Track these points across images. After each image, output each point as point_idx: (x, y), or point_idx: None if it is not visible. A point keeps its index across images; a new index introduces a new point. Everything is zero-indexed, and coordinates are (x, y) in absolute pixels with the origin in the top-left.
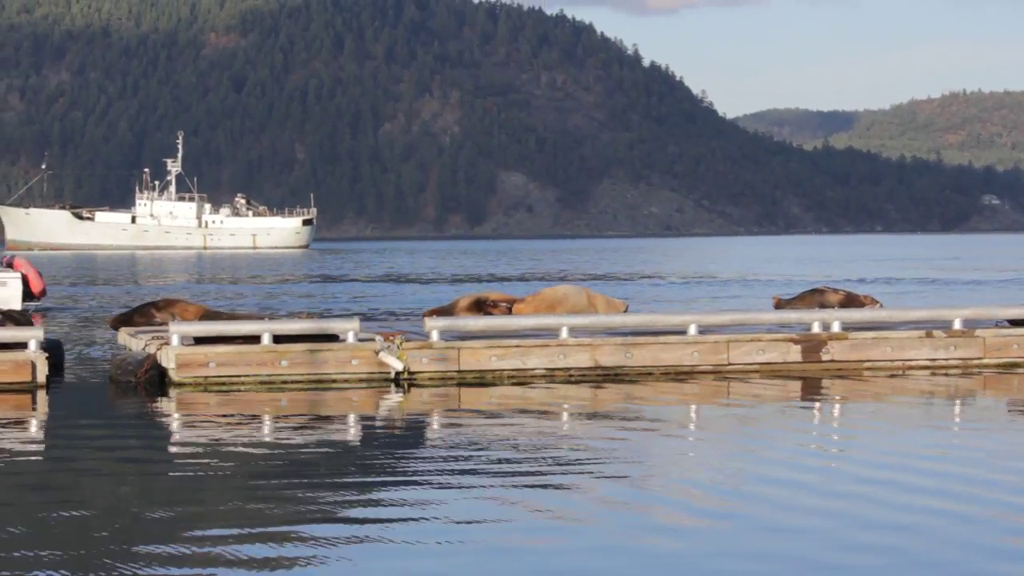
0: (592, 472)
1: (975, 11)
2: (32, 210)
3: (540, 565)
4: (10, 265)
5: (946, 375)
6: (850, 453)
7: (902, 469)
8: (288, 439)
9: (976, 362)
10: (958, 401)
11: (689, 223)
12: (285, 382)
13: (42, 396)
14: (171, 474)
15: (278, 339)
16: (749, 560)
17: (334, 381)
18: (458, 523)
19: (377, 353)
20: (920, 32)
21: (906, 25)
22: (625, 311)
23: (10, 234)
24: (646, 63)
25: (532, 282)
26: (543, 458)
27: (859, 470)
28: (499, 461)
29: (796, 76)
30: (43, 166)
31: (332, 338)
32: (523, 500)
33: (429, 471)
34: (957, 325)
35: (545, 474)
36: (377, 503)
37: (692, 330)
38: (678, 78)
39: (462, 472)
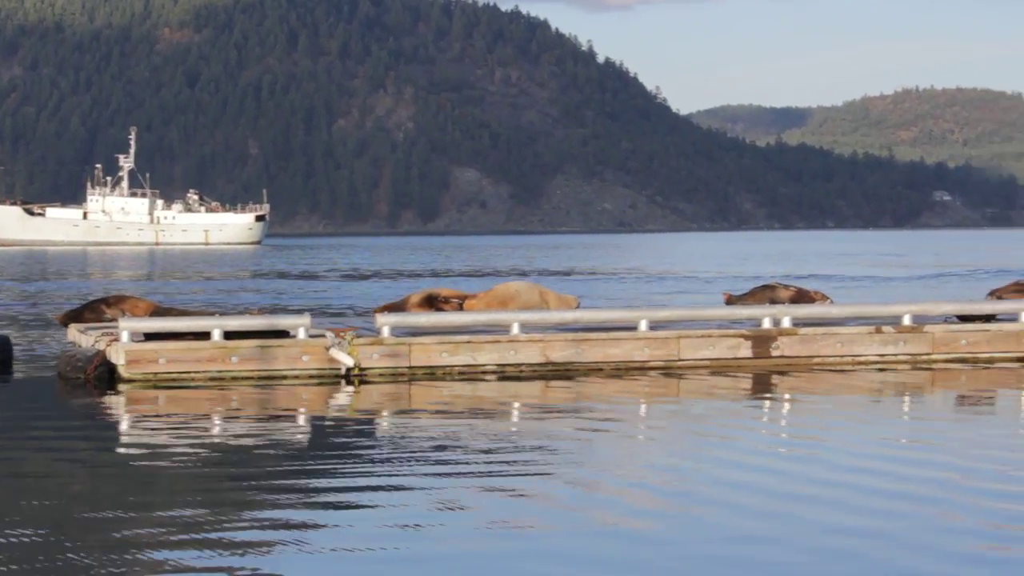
0: (543, 472)
1: (928, 8)
2: None
3: (488, 568)
4: None
5: (895, 370)
6: (799, 452)
7: (851, 469)
8: (237, 436)
9: (925, 357)
10: (907, 397)
11: (642, 219)
12: (235, 378)
13: None
14: (118, 473)
15: (229, 335)
16: (699, 562)
17: (284, 377)
18: (404, 527)
19: (328, 349)
20: (873, 29)
21: (859, 22)
22: (577, 307)
23: None
24: (600, 59)
25: (484, 278)
26: (494, 457)
27: (809, 469)
28: (450, 460)
29: (750, 73)
30: None
31: (283, 334)
32: (474, 501)
33: (379, 469)
34: (906, 321)
35: (496, 475)
36: (326, 504)
37: (643, 326)
38: (632, 74)
39: (412, 471)
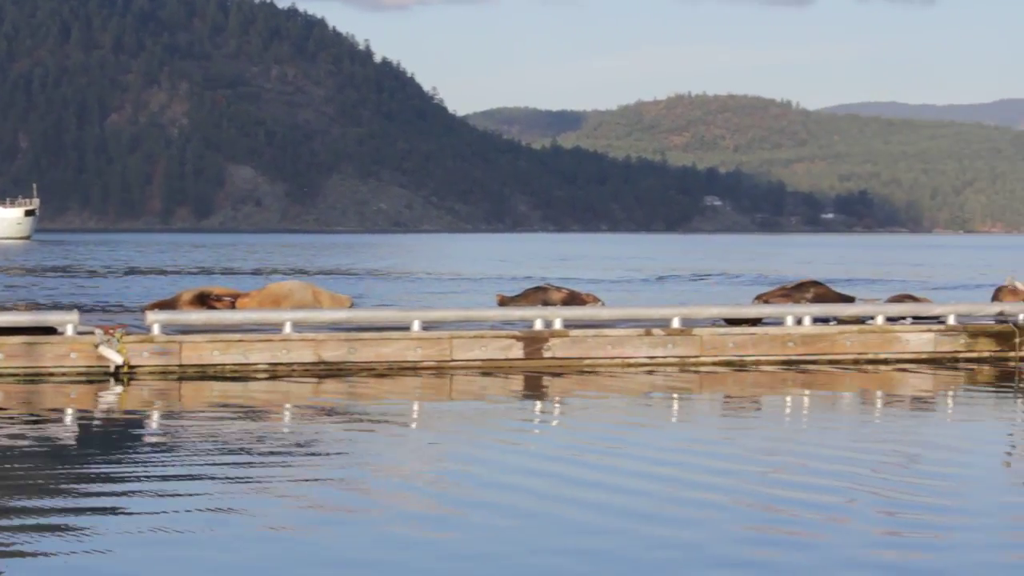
0: (313, 476)
1: (702, 15)
2: None
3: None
4: None
5: (664, 372)
6: (568, 455)
7: (615, 470)
8: (1, 434)
9: (693, 359)
10: (675, 398)
11: (418, 219)
12: (1, 375)
13: None
14: None
15: None
16: (467, 561)
17: (52, 375)
18: (167, 531)
19: (96, 347)
20: (647, 34)
21: (634, 27)
22: (350, 307)
23: None
24: (377, 59)
25: (258, 277)
26: (264, 457)
27: (575, 471)
28: (219, 462)
29: (526, 75)
30: None
31: (50, 331)
32: (244, 504)
33: (147, 469)
34: (676, 323)
35: (263, 480)
36: (91, 508)
37: (416, 326)
38: (409, 75)
39: (179, 472)
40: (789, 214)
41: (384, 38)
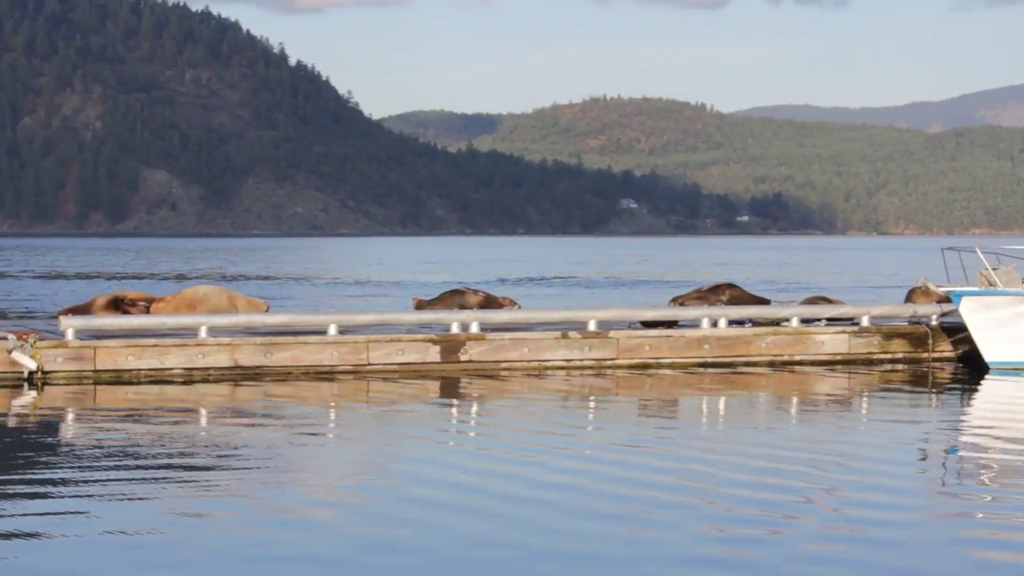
0: (232, 476)
1: (616, 17)
2: None
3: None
4: None
5: (581, 375)
6: (487, 458)
7: (536, 465)
8: None
9: (610, 362)
10: (591, 400)
11: (334, 223)
12: None
13: None
14: None
15: None
16: (376, 554)
17: None
18: (85, 534)
19: (10, 352)
20: (562, 37)
21: (549, 29)
22: (267, 311)
23: None
24: (292, 62)
25: (174, 281)
26: (177, 460)
27: (492, 466)
28: (133, 466)
29: (441, 78)
30: None
31: None
32: (159, 505)
33: (60, 474)
34: (592, 327)
35: (185, 481)
36: (6, 506)
37: (332, 330)
38: (324, 78)
39: (94, 476)
40: (704, 216)
41: (299, 41)
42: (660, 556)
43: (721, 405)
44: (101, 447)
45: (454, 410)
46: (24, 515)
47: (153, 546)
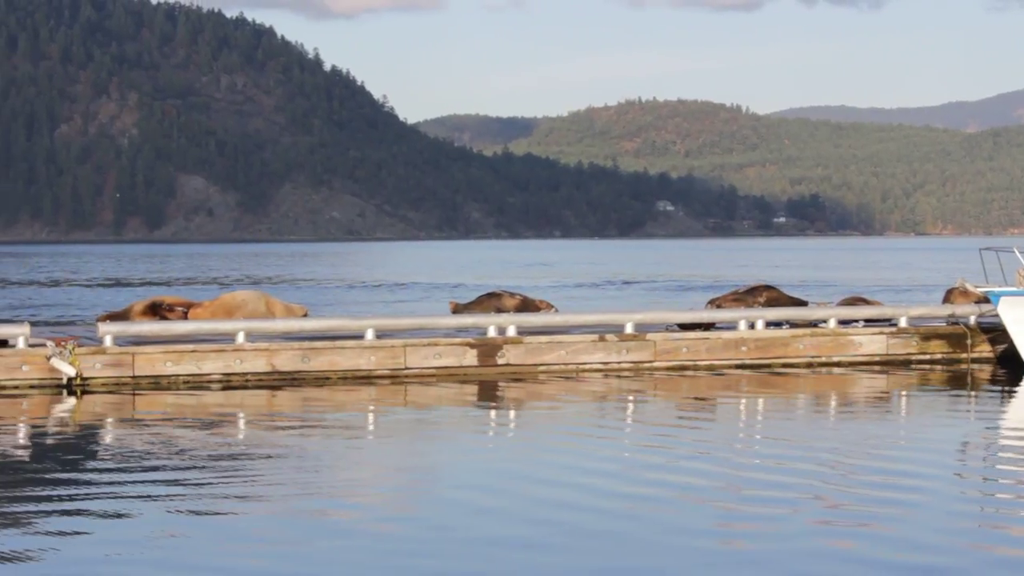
0: (271, 481)
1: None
2: None
3: None
4: None
5: (618, 377)
6: (527, 459)
7: (578, 470)
8: None
9: (647, 365)
10: (630, 402)
11: (371, 228)
12: None
13: None
14: None
15: None
16: (420, 557)
17: (3, 388)
18: (122, 541)
19: (48, 359)
20: (597, 40)
21: (583, 33)
22: (305, 316)
23: None
24: (327, 67)
25: (211, 287)
26: (218, 465)
27: (535, 470)
28: (173, 469)
29: (475, 82)
30: None
31: (1, 344)
32: (199, 511)
33: (100, 480)
34: (629, 329)
35: (218, 482)
36: (49, 513)
37: (369, 335)
38: (359, 83)
39: (134, 481)
40: (741, 218)
41: (333, 46)
42: (693, 553)
43: (759, 406)
44: (141, 452)
45: (492, 413)
46: (66, 515)
47: (191, 550)
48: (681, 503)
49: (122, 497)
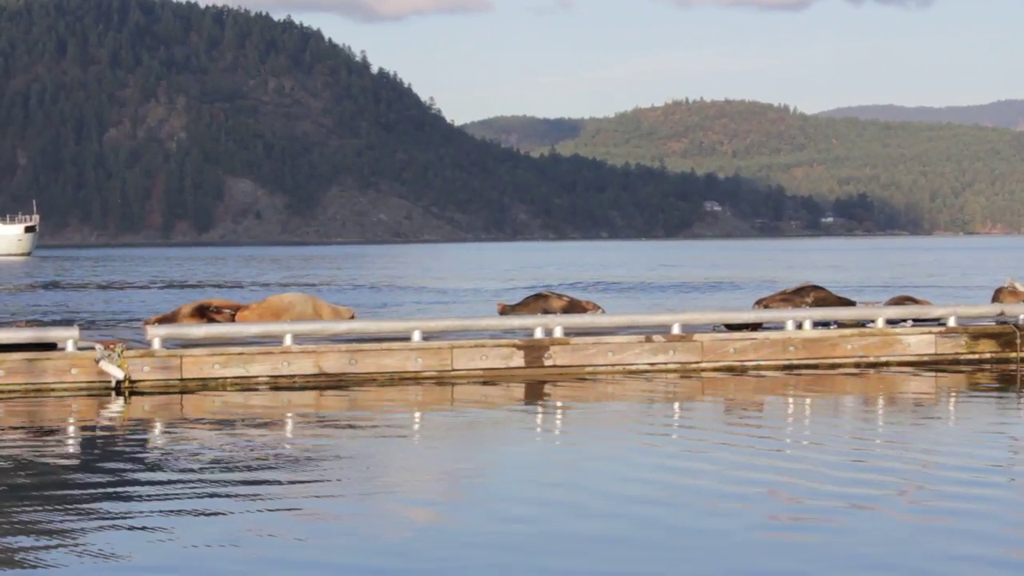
0: (320, 484)
1: (697, 21)
2: None
3: None
4: None
5: (665, 378)
6: (567, 459)
7: (622, 478)
8: (4, 451)
9: (694, 366)
10: (677, 404)
11: (418, 230)
12: (2, 392)
13: None
14: None
15: None
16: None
17: (53, 390)
18: (181, 544)
19: (97, 362)
20: (644, 41)
21: (629, 33)
22: (351, 318)
23: None
24: (374, 70)
25: (259, 289)
26: (266, 469)
27: (576, 476)
28: (221, 473)
29: (522, 84)
30: None
31: (51, 347)
32: (246, 518)
33: (150, 482)
34: (676, 330)
35: (267, 482)
36: (97, 514)
37: (416, 336)
38: (406, 85)
39: (184, 484)
40: (789, 218)
41: (380, 49)
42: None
43: (807, 406)
44: (192, 454)
45: (540, 415)
46: (155, 515)
47: (248, 553)
48: (760, 499)
49: (203, 496)
